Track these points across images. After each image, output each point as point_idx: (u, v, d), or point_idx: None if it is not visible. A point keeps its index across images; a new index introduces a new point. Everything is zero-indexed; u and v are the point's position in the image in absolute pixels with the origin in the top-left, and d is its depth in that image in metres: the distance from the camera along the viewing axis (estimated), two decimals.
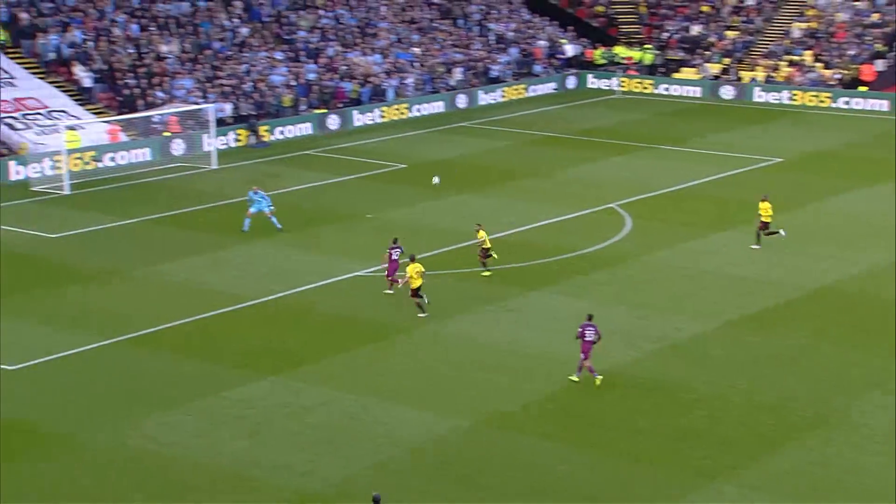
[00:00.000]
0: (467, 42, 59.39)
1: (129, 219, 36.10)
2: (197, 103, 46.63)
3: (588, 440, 21.81)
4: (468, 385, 24.17)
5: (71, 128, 42.26)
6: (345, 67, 53.34)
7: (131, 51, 48.54)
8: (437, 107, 53.57)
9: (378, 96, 52.71)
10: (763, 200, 33.07)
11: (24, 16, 47.79)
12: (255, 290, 29.56)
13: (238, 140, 46.27)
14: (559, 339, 25.85)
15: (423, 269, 27.69)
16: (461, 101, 54.44)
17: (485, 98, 55.50)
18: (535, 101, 56.53)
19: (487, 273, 30.50)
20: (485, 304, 28.69)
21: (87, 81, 46.38)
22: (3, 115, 43.00)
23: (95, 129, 44.00)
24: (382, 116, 51.21)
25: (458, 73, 56.13)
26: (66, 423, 22.11)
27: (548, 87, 58.57)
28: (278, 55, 52.51)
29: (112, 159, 42.70)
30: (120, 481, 20.17)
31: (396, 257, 29.11)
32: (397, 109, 51.83)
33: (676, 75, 59.57)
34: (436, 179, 33.38)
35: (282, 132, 48.14)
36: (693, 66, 59.73)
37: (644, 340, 26.53)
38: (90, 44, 47.88)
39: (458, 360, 25.47)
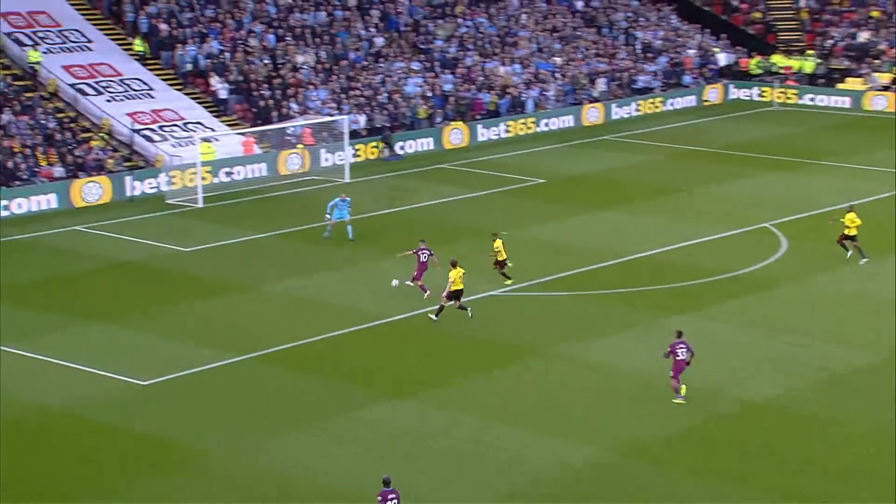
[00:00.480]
0: (612, 51, 59.00)
1: (262, 233, 37.08)
2: (331, 115, 47.64)
3: (734, 474, 21.31)
4: (604, 413, 23.92)
5: (206, 140, 43.71)
6: (482, 78, 53.67)
7: (267, 61, 49.92)
8: (568, 120, 53.13)
9: (517, 108, 52.81)
10: (849, 211, 32.12)
11: (163, 27, 49.64)
12: (385, 308, 29.86)
13: (356, 155, 46.74)
14: (705, 367, 25.36)
15: (463, 273, 28.12)
16: (594, 114, 53.80)
17: (618, 112, 54.72)
18: (679, 114, 55.64)
19: (510, 282, 30.75)
20: (626, 327, 28.38)
21: (222, 93, 47.90)
22: (140, 126, 44.79)
23: (230, 141, 45.39)
24: (508, 130, 50.86)
25: (601, 84, 55.79)
26: (194, 440, 22.79)
27: (688, 100, 57.46)
28: (415, 65, 53.18)
29: (245, 172, 43.97)
30: (244, 500, 20.69)
31: (425, 259, 29.56)
32: (523, 124, 51.40)
33: (841, 86, 57.81)
34: (394, 283, 30.43)
35: (414, 144, 48.59)
36: (859, 76, 57.86)
37: (799, 369, 25.81)
38: (227, 55, 49.43)
39: (594, 385, 25.25)
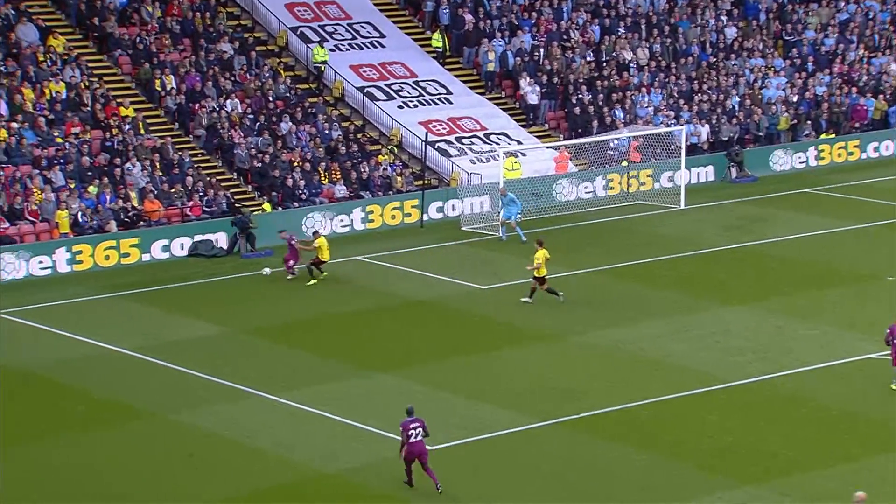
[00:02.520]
0: None
1: (575, 269, 37.19)
2: (666, 125, 47.32)
3: None
4: None
5: (511, 154, 44.47)
6: (867, 78, 51.78)
7: (589, 59, 50.21)
8: None
9: None
10: None
11: (468, 18, 50.81)
12: (729, 370, 29.32)
13: (703, 176, 46.09)
14: None
15: (548, 256, 33.36)
16: None
17: None
18: None
19: (313, 282, 35.98)
20: None
21: (532, 98, 48.56)
22: (435, 138, 46.06)
23: (539, 156, 45.96)
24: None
25: None
26: None
27: None
28: (777, 63, 52.03)
29: (559, 194, 44.37)
30: None
31: (294, 242, 36.49)
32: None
33: None
34: (266, 271, 37.08)
35: (774, 162, 47.58)
36: None
37: None
38: (541, 51, 50.05)
39: None
